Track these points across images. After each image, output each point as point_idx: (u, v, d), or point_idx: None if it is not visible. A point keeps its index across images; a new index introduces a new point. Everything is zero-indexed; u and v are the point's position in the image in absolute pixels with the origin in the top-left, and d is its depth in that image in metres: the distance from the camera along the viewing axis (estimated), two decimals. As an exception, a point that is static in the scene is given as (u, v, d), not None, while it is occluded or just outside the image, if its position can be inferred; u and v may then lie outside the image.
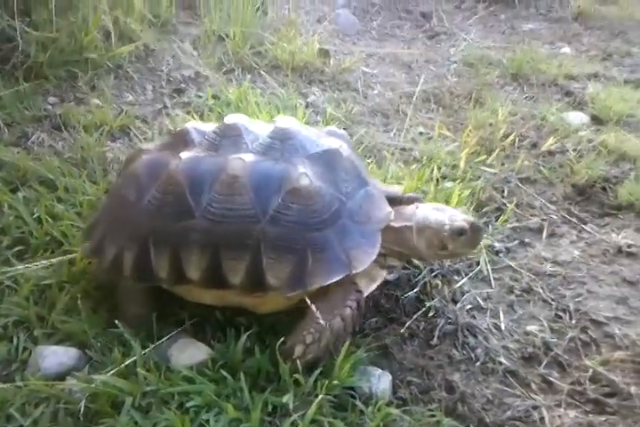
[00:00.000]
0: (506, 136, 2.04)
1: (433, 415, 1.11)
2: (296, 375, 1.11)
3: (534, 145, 2.05)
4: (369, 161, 1.89)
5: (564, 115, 2.21)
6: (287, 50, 2.55)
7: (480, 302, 1.41)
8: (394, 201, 1.36)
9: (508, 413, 1.15)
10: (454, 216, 1.29)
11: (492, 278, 1.48)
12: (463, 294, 1.42)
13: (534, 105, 2.31)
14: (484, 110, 2.20)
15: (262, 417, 1.07)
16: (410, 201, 1.40)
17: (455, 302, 1.40)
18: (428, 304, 1.37)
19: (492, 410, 1.16)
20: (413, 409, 1.13)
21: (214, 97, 2.20)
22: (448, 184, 1.77)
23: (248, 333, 1.21)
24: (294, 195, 1.19)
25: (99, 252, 1.28)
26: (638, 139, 2.04)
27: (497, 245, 1.58)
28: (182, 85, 2.35)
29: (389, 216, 1.29)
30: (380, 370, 1.20)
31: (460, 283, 1.45)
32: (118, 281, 1.29)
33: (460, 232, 1.27)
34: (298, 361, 1.12)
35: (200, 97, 2.24)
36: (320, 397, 1.06)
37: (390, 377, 1.20)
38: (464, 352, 1.28)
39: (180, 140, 1.33)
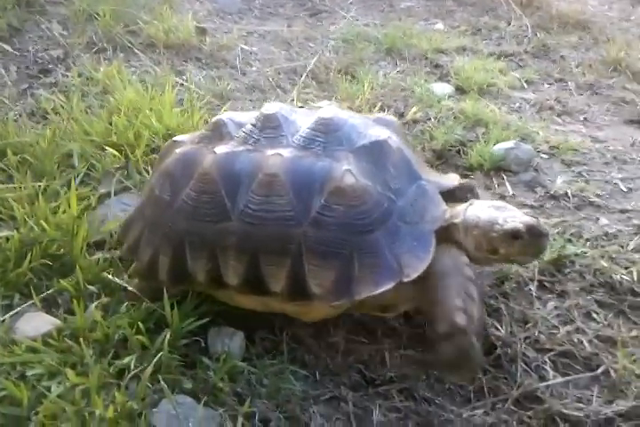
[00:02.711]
0: (373, 107, 2.12)
1: (277, 364, 1.17)
2: (139, 337, 1.13)
3: (401, 115, 2.13)
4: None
5: (431, 86, 2.31)
6: (161, 28, 2.52)
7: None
8: (449, 195, 1.24)
9: (352, 357, 1.22)
10: (512, 217, 1.11)
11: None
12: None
13: (404, 78, 2.40)
14: (355, 83, 2.27)
15: (106, 380, 1.08)
16: (464, 192, 1.28)
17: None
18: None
19: (338, 357, 1.22)
20: (261, 362, 1.18)
21: (80, 75, 2.14)
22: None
23: (97, 302, 1.22)
24: (338, 195, 1.09)
25: (134, 253, 1.22)
26: (494, 105, 2.18)
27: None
28: (50, 66, 2.27)
29: (444, 215, 1.16)
30: (232, 329, 1.24)
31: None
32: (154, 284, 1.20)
33: (513, 235, 1.09)
34: (470, 338, 1.04)
35: (67, 77, 2.18)
36: (160, 354, 1.09)
37: (243, 335, 1.23)
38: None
39: (216, 132, 1.24)
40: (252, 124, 1.21)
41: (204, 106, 2.01)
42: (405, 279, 1.07)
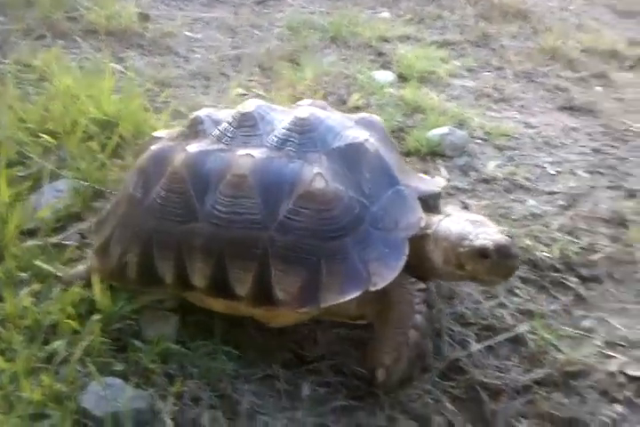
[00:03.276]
0: (315, 94, 2.14)
1: (209, 345, 1.18)
2: (70, 322, 1.13)
3: (343, 102, 2.16)
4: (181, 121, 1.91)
5: (373, 73, 2.35)
6: (102, 14, 2.48)
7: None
8: (432, 203, 1.21)
9: (285, 337, 1.24)
10: (485, 233, 1.07)
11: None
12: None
13: (348, 65, 2.43)
14: (299, 71, 2.29)
15: (35, 365, 1.08)
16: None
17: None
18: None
19: (271, 337, 1.24)
20: (195, 344, 1.19)
21: (17, 63, 2.10)
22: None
23: (27, 289, 1.22)
24: (307, 199, 1.06)
25: (105, 251, 1.19)
26: (434, 93, 2.23)
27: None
28: (-14, 52, 2.22)
29: (420, 222, 1.12)
30: (166, 312, 1.25)
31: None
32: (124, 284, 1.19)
33: (481, 253, 1.05)
34: (386, 383, 1.08)
35: (4, 64, 2.13)
36: (90, 338, 1.09)
37: (177, 318, 1.25)
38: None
39: (193, 129, 1.21)
40: (228, 123, 1.18)
41: (144, 93, 2.00)
42: (372, 288, 1.04)
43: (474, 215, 1.16)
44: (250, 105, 1.20)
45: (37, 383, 1.03)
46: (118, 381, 1.07)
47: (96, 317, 1.15)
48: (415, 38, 2.75)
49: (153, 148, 1.23)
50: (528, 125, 2.07)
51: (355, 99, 2.13)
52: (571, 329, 1.27)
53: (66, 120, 1.73)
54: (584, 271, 1.42)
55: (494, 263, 1.05)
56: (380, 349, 1.10)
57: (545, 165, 1.83)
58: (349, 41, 2.65)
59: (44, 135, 1.68)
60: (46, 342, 1.13)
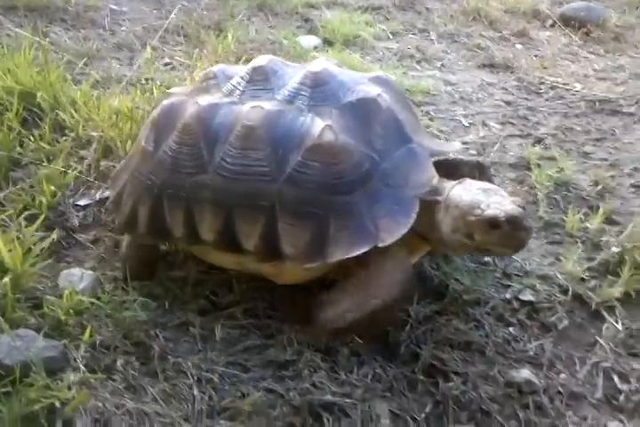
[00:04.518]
0: (239, 60, 2.15)
1: (126, 297, 1.22)
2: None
3: (268, 67, 2.19)
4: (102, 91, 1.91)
5: (299, 39, 2.38)
6: (21, -11, 2.44)
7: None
8: (450, 167, 1.19)
9: (201, 287, 1.29)
10: (498, 203, 1.02)
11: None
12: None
13: (274, 32, 2.45)
14: (225, 39, 2.30)
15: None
16: (471, 169, 1.21)
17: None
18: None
19: (188, 288, 1.28)
20: (110, 296, 1.23)
21: None
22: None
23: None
24: (316, 152, 1.04)
25: (117, 204, 1.20)
26: (359, 55, 2.27)
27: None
28: None
29: (431, 181, 1.09)
30: (84, 270, 1.28)
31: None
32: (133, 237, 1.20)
33: (491, 223, 1.00)
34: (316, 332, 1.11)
35: None
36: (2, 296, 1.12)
37: (95, 275, 1.28)
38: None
39: (205, 84, 1.21)
40: (241, 77, 1.18)
41: (65, 65, 1.99)
42: (381, 244, 1.03)
43: (487, 184, 1.12)
44: (262, 60, 1.19)
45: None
46: (31, 332, 1.10)
47: (7, 276, 1.17)
48: (342, 4, 2.78)
49: (165, 102, 1.23)
50: (447, 83, 2.14)
51: (279, 63, 2.15)
52: (472, 264, 1.34)
53: (-19, 93, 1.72)
54: (489, 212, 1.49)
55: (504, 234, 1.01)
56: (335, 302, 1.11)
57: (459, 118, 1.90)
58: (276, 8, 2.67)
59: (-43, 109, 1.67)
60: (-41, 304, 1.15)
